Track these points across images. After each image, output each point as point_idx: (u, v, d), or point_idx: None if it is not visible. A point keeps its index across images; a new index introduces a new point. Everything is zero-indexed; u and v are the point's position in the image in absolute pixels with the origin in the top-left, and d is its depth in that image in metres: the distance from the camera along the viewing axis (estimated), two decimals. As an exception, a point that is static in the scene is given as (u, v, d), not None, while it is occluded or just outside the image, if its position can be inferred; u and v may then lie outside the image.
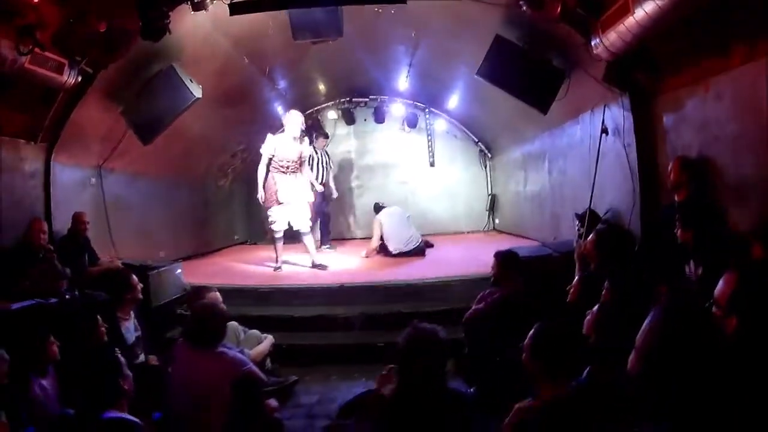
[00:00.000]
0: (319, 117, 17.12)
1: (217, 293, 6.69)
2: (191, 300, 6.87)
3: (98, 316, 5.19)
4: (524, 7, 7.26)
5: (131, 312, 6.39)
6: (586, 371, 3.30)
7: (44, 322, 4.83)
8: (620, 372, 2.81)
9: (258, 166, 10.96)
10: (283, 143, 10.99)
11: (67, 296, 6.26)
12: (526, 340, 3.33)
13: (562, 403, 3.01)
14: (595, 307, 5.27)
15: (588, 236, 7.40)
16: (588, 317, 5.12)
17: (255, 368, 5.24)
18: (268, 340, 6.95)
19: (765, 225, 5.01)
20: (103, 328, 5.16)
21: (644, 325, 2.45)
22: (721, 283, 2.95)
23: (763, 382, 2.41)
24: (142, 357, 6.18)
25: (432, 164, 17.68)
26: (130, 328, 6.25)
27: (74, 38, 6.96)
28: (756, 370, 2.48)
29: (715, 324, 2.69)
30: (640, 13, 5.79)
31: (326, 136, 15.27)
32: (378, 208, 13.29)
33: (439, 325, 3.81)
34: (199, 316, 5.20)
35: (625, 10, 5.99)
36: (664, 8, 5.50)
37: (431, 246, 13.33)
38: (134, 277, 6.54)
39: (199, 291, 6.92)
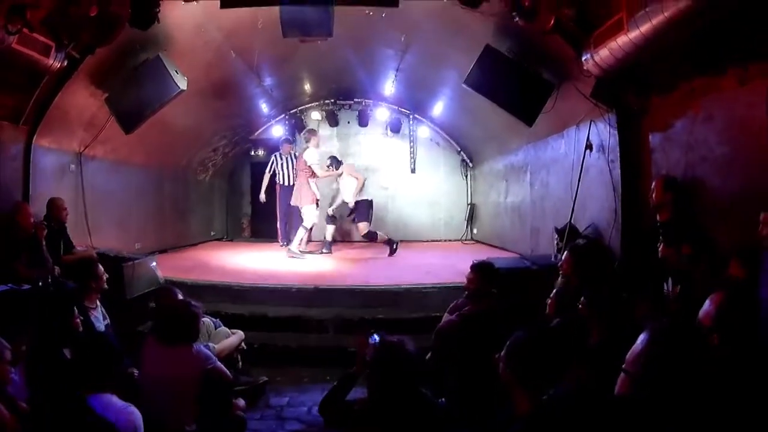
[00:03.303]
0: (302, 117, 17.10)
1: (178, 296, 6.54)
2: (155, 300, 6.80)
3: (74, 307, 5.14)
4: (516, 19, 7.25)
5: (97, 301, 6.32)
6: (560, 385, 3.28)
7: (16, 308, 4.76)
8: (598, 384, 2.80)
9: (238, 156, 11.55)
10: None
11: (40, 283, 6.21)
12: (503, 351, 3.30)
13: (541, 417, 2.98)
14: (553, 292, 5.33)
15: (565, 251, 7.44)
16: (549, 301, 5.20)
17: (220, 365, 5.18)
18: (237, 335, 6.85)
19: (748, 246, 5.02)
20: (78, 320, 5.11)
21: (636, 348, 2.42)
22: (706, 304, 2.99)
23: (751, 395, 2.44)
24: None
25: (413, 171, 17.71)
26: (99, 317, 6.20)
27: (64, 21, 6.89)
28: (742, 384, 2.50)
29: (705, 344, 2.70)
30: (634, 32, 5.79)
31: (290, 142, 15.58)
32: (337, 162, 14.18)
33: (408, 335, 3.81)
34: (169, 313, 5.15)
35: (619, 28, 5.99)
36: (659, 29, 5.49)
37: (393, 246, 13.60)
38: (100, 266, 6.45)
39: (161, 292, 6.82)
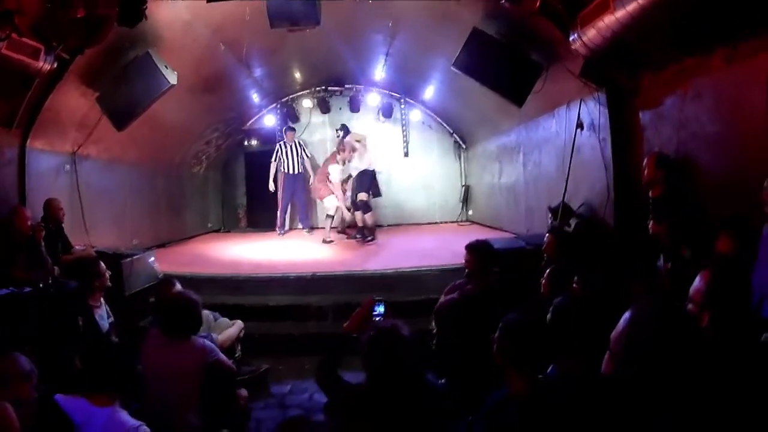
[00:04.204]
0: (294, 105, 17.10)
1: (178, 286, 6.56)
2: (156, 293, 6.83)
3: (78, 307, 5.18)
4: (503, 1, 7.28)
5: (101, 299, 6.35)
6: (551, 366, 3.34)
7: (18, 311, 4.81)
8: (589, 365, 2.85)
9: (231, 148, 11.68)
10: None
11: (41, 285, 6.25)
12: (496, 333, 3.34)
13: (534, 397, 3.04)
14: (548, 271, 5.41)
15: (563, 228, 7.52)
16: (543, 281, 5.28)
17: (223, 357, 5.21)
18: (237, 324, 6.89)
19: (736, 220, 5.08)
20: (80, 320, 5.14)
21: (619, 327, 2.46)
22: (696, 280, 3.03)
23: (739, 374, 2.48)
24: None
25: (406, 154, 17.69)
26: (103, 315, 6.21)
27: (52, 24, 6.92)
28: (731, 363, 2.55)
29: (690, 322, 2.73)
30: (620, 11, 5.82)
31: (293, 130, 15.83)
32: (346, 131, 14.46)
33: (407, 318, 3.84)
34: (174, 306, 5.17)
35: (605, 7, 6.01)
36: (645, 7, 5.52)
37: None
38: (102, 264, 6.47)
39: (161, 285, 6.84)
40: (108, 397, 3.62)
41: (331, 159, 13.85)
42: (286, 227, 15.70)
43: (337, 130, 13.98)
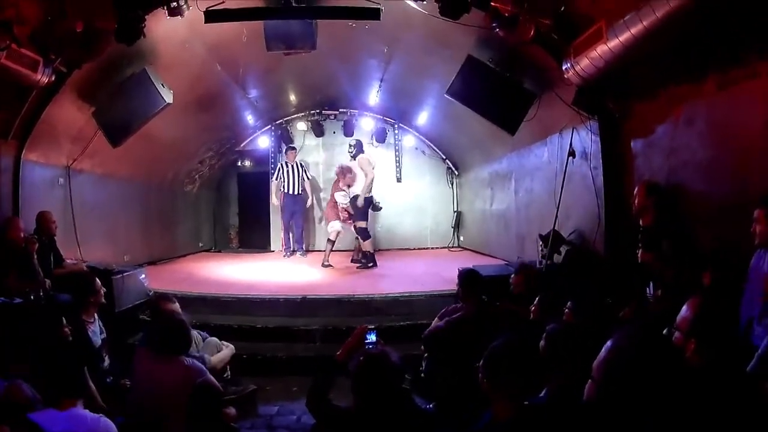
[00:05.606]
0: (288, 128, 17.11)
1: (176, 304, 6.57)
2: (152, 308, 6.82)
3: (63, 318, 5.17)
4: (497, 29, 7.33)
5: (95, 315, 6.35)
6: (544, 391, 3.35)
7: (8, 322, 4.80)
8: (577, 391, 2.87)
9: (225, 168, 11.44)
10: None
11: (32, 297, 6.24)
12: (481, 360, 3.35)
13: (518, 423, 3.05)
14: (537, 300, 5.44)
15: (551, 256, 7.55)
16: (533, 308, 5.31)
17: (211, 378, 5.19)
18: (230, 348, 6.89)
19: (726, 250, 5.11)
20: (67, 330, 5.13)
21: (600, 355, 2.48)
22: (683, 309, 3.06)
23: (722, 403, 2.50)
24: (107, 360, 6.13)
25: (399, 180, 17.69)
26: (96, 331, 6.21)
27: (51, 36, 6.96)
28: (714, 392, 2.57)
29: (674, 351, 2.75)
30: (613, 41, 5.90)
31: (294, 150, 15.90)
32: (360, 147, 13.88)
33: (396, 343, 3.83)
34: (165, 324, 5.17)
35: (599, 37, 6.09)
36: (638, 37, 5.60)
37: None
38: (98, 280, 6.50)
39: (159, 300, 6.84)
40: (69, 399, 3.72)
41: (335, 186, 13.61)
42: (292, 247, 15.55)
43: (350, 145, 13.73)
